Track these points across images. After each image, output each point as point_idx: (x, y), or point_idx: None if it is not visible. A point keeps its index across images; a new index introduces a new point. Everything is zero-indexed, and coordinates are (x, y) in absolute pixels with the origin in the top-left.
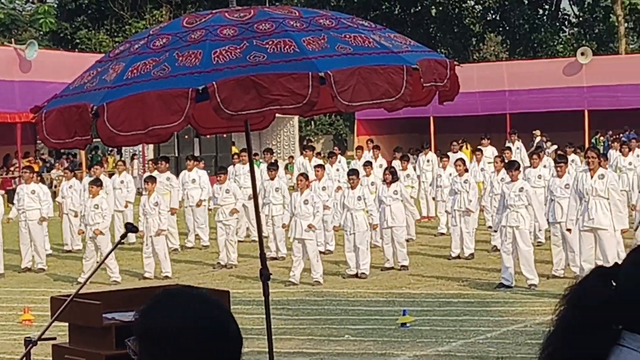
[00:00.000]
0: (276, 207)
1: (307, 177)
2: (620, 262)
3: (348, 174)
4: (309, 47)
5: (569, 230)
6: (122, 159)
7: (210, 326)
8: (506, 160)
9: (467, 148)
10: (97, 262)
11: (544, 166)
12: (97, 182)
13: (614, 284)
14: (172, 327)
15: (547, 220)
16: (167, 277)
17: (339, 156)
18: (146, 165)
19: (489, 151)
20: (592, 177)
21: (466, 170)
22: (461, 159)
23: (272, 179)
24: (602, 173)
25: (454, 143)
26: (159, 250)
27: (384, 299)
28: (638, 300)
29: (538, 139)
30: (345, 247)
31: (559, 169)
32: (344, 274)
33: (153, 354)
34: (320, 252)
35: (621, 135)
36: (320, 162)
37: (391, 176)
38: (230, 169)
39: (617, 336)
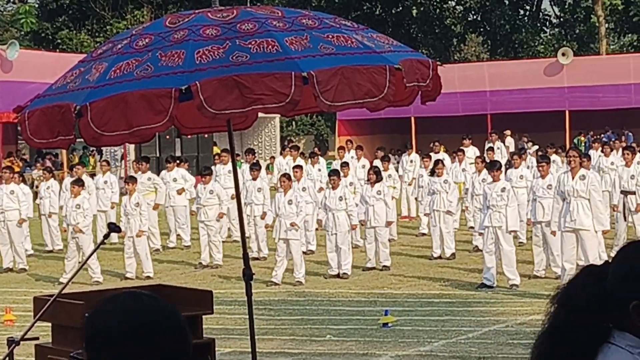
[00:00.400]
0: (258, 207)
1: (289, 178)
2: (601, 262)
3: (329, 175)
4: (291, 47)
5: (553, 233)
6: (103, 159)
7: (158, 324)
8: (488, 161)
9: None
10: (79, 262)
11: (527, 167)
12: (79, 182)
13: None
14: (120, 327)
15: (530, 220)
16: (148, 277)
17: (319, 157)
18: (128, 165)
19: (471, 151)
20: (573, 177)
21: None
22: (440, 160)
23: (254, 179)
24: (583, 174)
25: (436, 144)
26: (140, 250)
27: (365, 299)
28: (626, 298)
29: (509, 138)
30: (327, 247)
31: (541, 169)
32: (326, 274)
33: (104, 357)
34: (302, 252)
35: (602, 135)
36: (300, 162)
37: (375, 176)
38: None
39: (607, 334)
